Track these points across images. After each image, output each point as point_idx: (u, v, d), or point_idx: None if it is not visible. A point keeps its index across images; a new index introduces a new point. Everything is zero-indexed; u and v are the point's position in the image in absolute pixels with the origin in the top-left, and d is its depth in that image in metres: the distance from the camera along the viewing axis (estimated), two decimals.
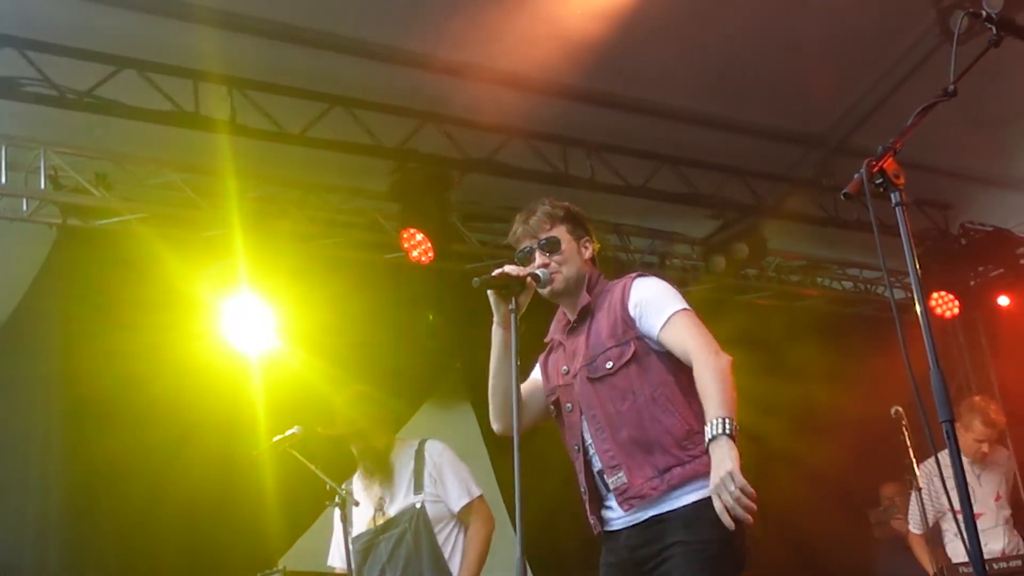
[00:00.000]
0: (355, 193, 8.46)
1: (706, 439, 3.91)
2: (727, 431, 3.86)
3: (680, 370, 4.21)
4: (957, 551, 7.69)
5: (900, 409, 7.08)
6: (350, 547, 5.86)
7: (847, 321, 11.01)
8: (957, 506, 2.91)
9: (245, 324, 7.64)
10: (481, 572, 6.04)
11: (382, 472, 6.12)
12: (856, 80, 8.71)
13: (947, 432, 2.99)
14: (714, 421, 3.90)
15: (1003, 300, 10.73)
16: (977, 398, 7.95)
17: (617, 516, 4.27)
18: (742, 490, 3.76)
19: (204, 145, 7.44)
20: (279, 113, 7.48)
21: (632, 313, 4.28)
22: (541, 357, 4.67)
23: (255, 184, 8.05)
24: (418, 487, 6.03)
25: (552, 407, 4.52)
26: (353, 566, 5.79)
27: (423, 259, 8.11)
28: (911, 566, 9.08)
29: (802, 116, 9.09)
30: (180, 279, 7.53)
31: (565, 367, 4.43)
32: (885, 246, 3.30)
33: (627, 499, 4.17)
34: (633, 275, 4.42)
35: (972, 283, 10.79)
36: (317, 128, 7.62)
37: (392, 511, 6.02)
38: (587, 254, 4.51)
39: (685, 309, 4.24)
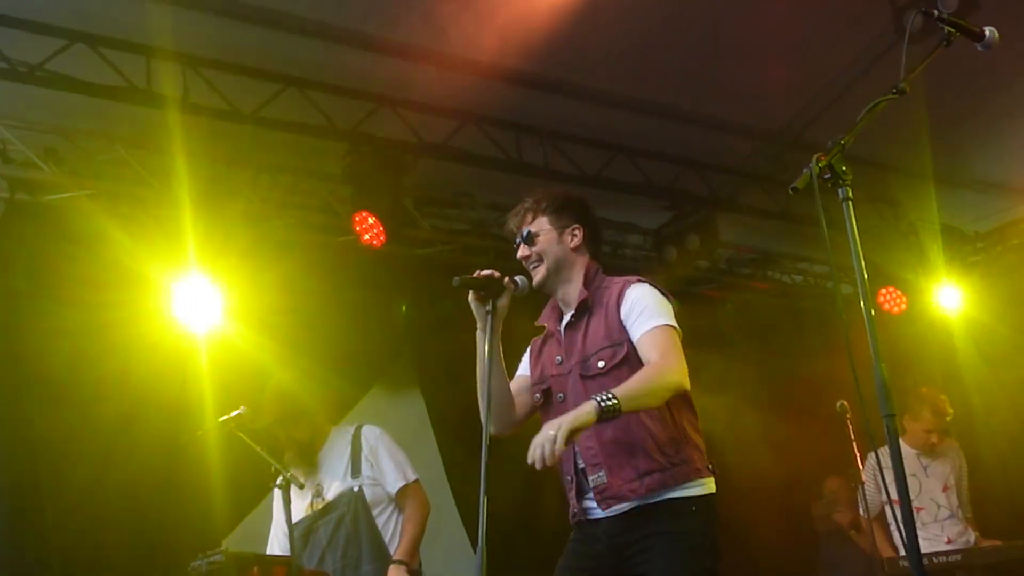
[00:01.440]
0: (307, 175, 8.42)
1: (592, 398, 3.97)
2: (601, 402, 3.89)
3: None
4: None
5: (845, 403, 7.14)
6: (293, 533, 5.86)
7: (797, 315, 11.07)
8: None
9: (194, 304, 7.60)
10: (417, 553, 6.03)
11: (307, 463, 6.10)
12: (812, 76, 8.74)
13: (888, 427, 3.02)
14: (607, 394, 3.93)
15: (950, 297, 10.83)
16: (925, 389, 8.01)
17: (595, 507, 4.33)
18: (554, 443, 3.79)
19: (155, 122, 7.36)
20: (232, 92, 7.42)
21: (622, 315, 4.34)
22: (532, 346, 4.70)
23: (206, 163, 7.97)
24: (356, 471, 6.02)
25: (540, 395, 4.55)
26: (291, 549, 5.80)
27: (375, 242, 8.08)
28: (852, 558, 9.18)
29: (758, 110, 9.11)
30: (129, 257, 7.48)
31: (559, 358, 4.48)
32: (834, 241, 3.32)
33: (605, 499, 4.24)
34: (634, 279, 4.48)
35: (920, 280, 10.87)
36: (270, 108, 7.57)
37: (330, 495, 6.01)
38: (573, 242, 4.54)
39: (670, 325, 4.30)
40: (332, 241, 8.53)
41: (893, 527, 7.88)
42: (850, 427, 7.20)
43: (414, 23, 7.47)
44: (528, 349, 4.72)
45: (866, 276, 3.21)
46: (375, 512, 5.98)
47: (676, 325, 4.32)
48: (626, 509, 4.21)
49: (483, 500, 3.77)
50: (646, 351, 4.24)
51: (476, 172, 8.62)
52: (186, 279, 7.56)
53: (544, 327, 4.67)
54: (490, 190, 9.05)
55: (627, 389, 3.98)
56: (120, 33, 7.01)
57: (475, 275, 4.24)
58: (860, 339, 3.20)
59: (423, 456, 8.80)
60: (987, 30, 3.65)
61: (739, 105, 8.95)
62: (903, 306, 10.63)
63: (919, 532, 7.56)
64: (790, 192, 3.31)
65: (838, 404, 7.17)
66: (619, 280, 4.49)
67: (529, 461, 3.84)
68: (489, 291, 4.22)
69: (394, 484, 6.04)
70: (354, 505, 5.91)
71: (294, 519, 5.92)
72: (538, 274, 4.47)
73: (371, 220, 8.05)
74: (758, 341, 10.66)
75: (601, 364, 4.32)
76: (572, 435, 3.85)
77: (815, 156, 3.23)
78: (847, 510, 9.27)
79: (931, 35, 3.83)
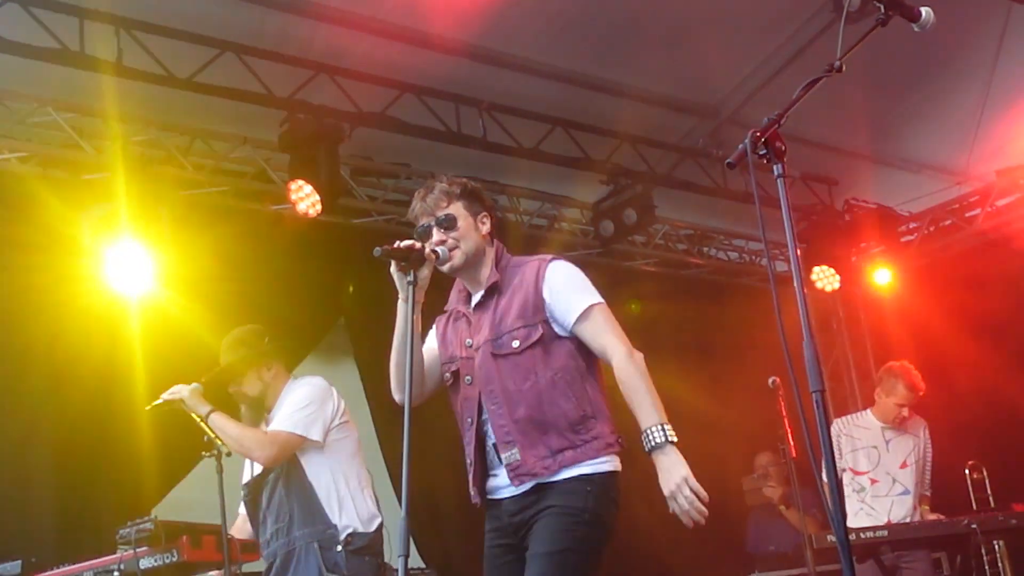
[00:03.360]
0: (243, 142, 8.35)
1: (646, 447, 4.10)
2: (668, 438, 4.10)
3: (581, 356, 4.33)
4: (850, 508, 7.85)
5: (777, 379, 7.18)
6: (243, 497, 5.85)
7: (731, 291, 11.16)
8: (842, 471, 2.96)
9: (125, 269, 7.52)
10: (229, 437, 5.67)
11: (259, 417, 5.99)
12: (750, 52, 8.78)
13: (817, 402, 3.04)
14: (653, 429, 4.10)
15: (883, 276, 10.95)
16: (897, 364, 8.02)
17: (504, 486, 4.33)
18: (696, 494, 4.04)
19: (89, 85, 7.26)
20: (167, 56, 7.32)
21: (545, 297, 4.34)
22: (438, 323, 4.67)
23: (140, 128, 7.90)
24: None
25: (449, 376, 4.53)
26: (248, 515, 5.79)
27: (310, 211, 8.02)
28: (781, 532, 9.28)
29: (695, 86, 9.14)
30: (60, 221, 7.40)
31: (469, 340, 4.45)
32: (770, 219, 3.34)
33: (518, 475, 4.24)
34: (548, 258, 4.47)
35: (854, 259, 10.98)
36: (206, 74, 7.48)
37: None
38: (485, 229, 4.52)
39: (600, 303, 4.34)
40: (267, 209, 8.47)
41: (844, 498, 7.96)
42: (781, 403, 7.25)
43: None
44: (433, 328, 4.69)
45: (799, 253, 3.23)
46: (309, 469, 5.84)
47: (601, 299, 4.37)
48: (526, 489, 4.24)
49: (407, 470, 3.79)
50: (594, 336, 4.29)
51: (414, 142, 8.59)
52: (118, 244, 7.47)
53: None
54: (428, 161, 9.03)
55: (648, 408, 4.18)
56: None
57: (396, 246, 4.21)
58: (793, 316, 3.22)
59: (357, 424, 8.77)
60: (923, 11, 3.67)
61: (677, 81, 8.99)
62: (836, 284, 10.73)
63: (868, 503, 7.68)
64: (726, 167, 3.31)
65: (770, 380, 7.21)
66: (531, 260, 4.50)
67: (689, 523, 4.11)
68: (410, 262, 4.21)
69: (275, 424, 5.85)
70: (286, 465, 5.81)
71: (244, 480, 5.87)
72: (454, 259, 4.42)
73: (307, 189, 7.99)
74: (692, 317, 10.72)
75: (515, 344, 4.31)
76: (687, 470, 4.11)
77: (750, 132, 3.23)
78: (777, 485, 9.37)
79: (869, 14, 3.85)
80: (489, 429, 4.35)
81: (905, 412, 7.89)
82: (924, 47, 7.92)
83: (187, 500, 6.89)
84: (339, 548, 5.72)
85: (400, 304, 4.30)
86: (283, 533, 5.75)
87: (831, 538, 7.13)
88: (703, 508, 4.02)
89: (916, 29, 3.70)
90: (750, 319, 10.04)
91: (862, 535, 7.18)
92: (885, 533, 7.26)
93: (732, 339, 10.44)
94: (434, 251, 4.32)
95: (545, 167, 9.06)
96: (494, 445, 4.33)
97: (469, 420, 4.39)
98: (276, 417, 5.85)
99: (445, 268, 4.42)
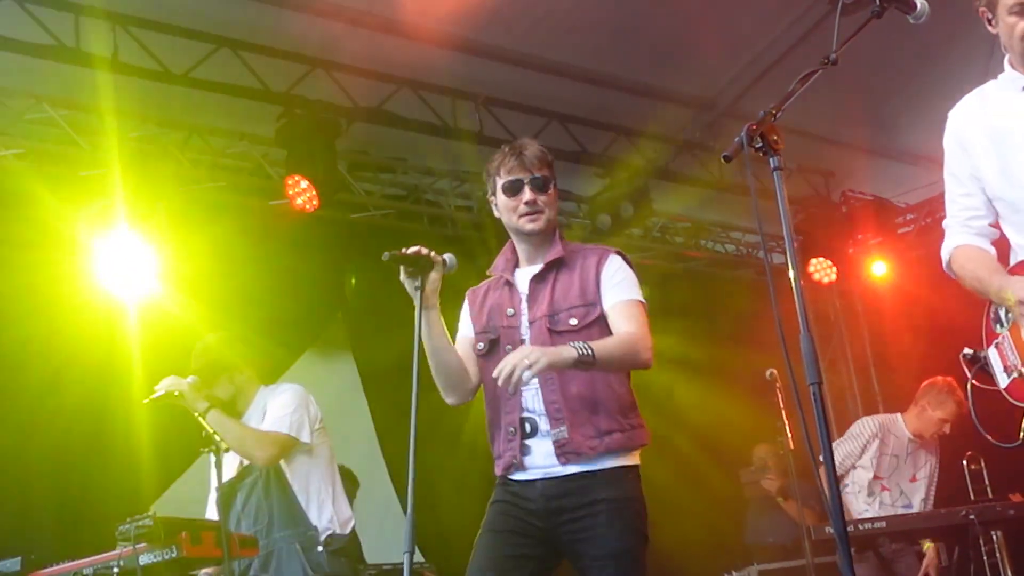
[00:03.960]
0: (240, 137, 8.34)
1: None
2: (577, 350, 3.98)
3: None
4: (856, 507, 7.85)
5: (775, 371, 7.20)
6: (216, 500, 5.82)
7: (729, 283, 11.16)
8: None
9: (123, 266, 7.51)
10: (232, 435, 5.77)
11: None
12: (746, 45, 8.78)
13: (814, 395, 3.04)
14: (585, 344, 4.03)
15: (880, 268, 10.95)
16: (944, 379, 7.93)
17: (539, 464, 4.27)
18: (530, 369, 3.86)
19: (85, 81, 7.25)
20: (163, 52, 7.32)
21: (602, 280, 4.36)
22: (471, 295, 4.63)
23: (136, 124, 7.89)
24: None
25: (484, 345, 4.46)
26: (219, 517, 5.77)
27: (308, 207, 8.02)
28: (779, 524, 9.29)
29: (692, 79, 9.14)
30: (56, 218, 7.38)
31: (511, 310, 4.43)
32: (767, 211, 3.34)
33: (565, 452, 4.21)
34: (613, 249, 4.50)
35: (851, 250, 10.98)
36: (202, 69, 7.48)
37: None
38: (556, 203, 4.54)
39: (643, 303, 4.38)
40: (265, 205, 8.46)
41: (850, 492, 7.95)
42: (779, 395, 7.26)
43: None
44: (466, 302, 4.64)
45: (795, 246, 3.23)
46: (290, 472, 5.87)
47: (645, 302, 4.40)
48: (568, 473, 4.21)
49: (411, 469, 3.86)
50: (620, 320, 4.28)
51: (410, 137, 8.59)
52: (115, 240, 7.47)
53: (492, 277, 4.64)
54: (424, 155, 9.03)
55: (604, 347, 4.08)
56: None
57: (404, 251, 4.20)
58: (790, 308, 3.22)
59: (355, 419, 8.80)
60: (919, 2, 3.68)
61: (673, 74, 8.98)
62: (833, 276, 10.74)
63: (872, 504, 7.67)
64: (722, 161, 3.31)
65: (767, 372, 7.23)
66: (595, 247, 4.55)
67: (495, 375, 3.90)
68: (418, 267, 4.20)
69: (266, 424, 5.90)
70: (265, 468, 5.84)
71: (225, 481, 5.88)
72: (538, 222, 4.39)
73: (304, 184, 7.98)
74: (690, 309, 10.72)
75: (573, 321, 4.30)
76: (547, 369, 3.95)
77: (747, 126, 3.23)
78: (775, 477, 9.37)
79: (864, 6, 3.85)
80: (530, 400, 4.30)
81: (947, 428, 7.85)
82: (920, 37, 7.91)
83: (186, 496, 6.88)
84: (320, 548, 5.76)
85: (417, 310, 4.27)
86: (262, 536, 5.77)
87: (829, 530, 7.14)
88: (519, 379, 3.86)
89: (912, 21, 3.71)
90: (747, 311, 10.03)
91: (860, 527, 7.18)
92: (883, 524, 7.26)
93: (729, 331, 10.44)
94: (442, 257, 4.28)
95: None
96: (525, 419, 4.29)
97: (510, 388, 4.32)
98: (267, 420, 5.89)
99: (527, 225, 4.39)
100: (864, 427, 7.99)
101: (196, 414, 5.61)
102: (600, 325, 4.31)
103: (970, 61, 8.95)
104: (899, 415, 8.10)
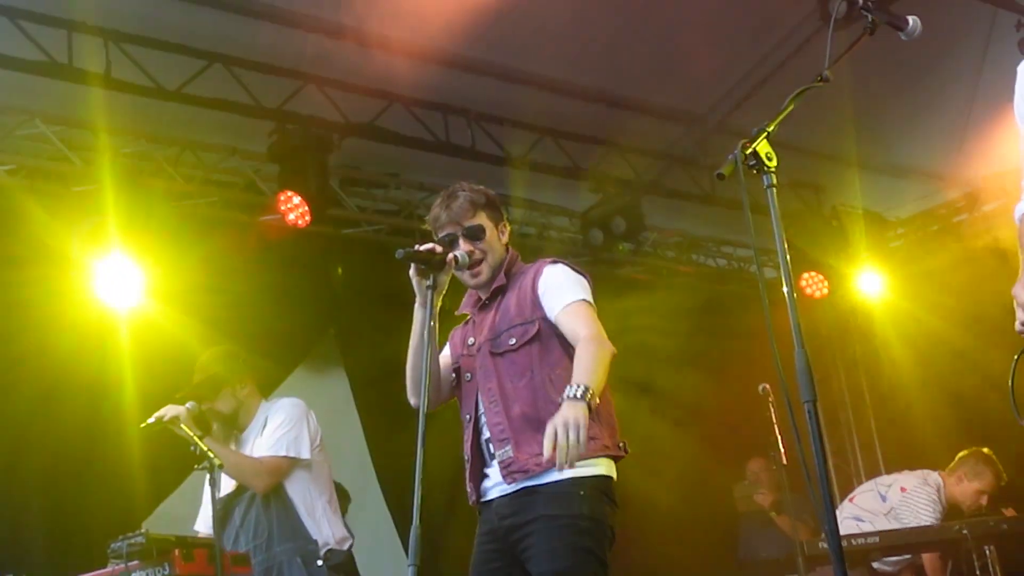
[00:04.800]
0: (232, 153, 8.35)
1: (563, 397, 3.90)
2: (583, 397, 3.85)
3: None
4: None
5: (767, 387, 7.20)
6: (212, 514, 5.81)
7: (720, 298, 11.15)
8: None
9: (115, 282, 7.51)
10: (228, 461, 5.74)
11: (232, 437, 6.03)
12: (737, 60, 8.79)
13: (809, 412, 3.04)
14: (576, 385, 3.89)
15: (871, 282, 10.96)
16: (980, 450, 7.83)
17: (494, 485, 4.32)
18: (580, 442, 3.74)
19: (77, 98, 7.26)
20: (155, 68, 7.32)
21: (539, 292, 4.35)
22: (454, 332, 4.69)
23: (129, 140, 7.89)
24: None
25: (453, 375, 4.55)
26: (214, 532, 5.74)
27: (300, 222, 8.03)
28: (772, 539, 9.29)
29: (683, 94, 9.15)
30: (49, 234, 7.38)
31: (471, 339, 4.49)
32: (758, 225, 3.35)
33: (511, 472, 4.22)
34: (548, 260, 4.50)
35: (842, 265, 11.00)
36: (195, 85, 7.49)
37: None
38: (504, 238, 4.55)
39: (586, 300, 4.31)
40: (257, 220, 8.46)
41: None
42: (772, 410, 7.26)
43: (343, 2, 7.42)
44: (450, 335, 4.71)
45: (788, 260, 3.24)
46: (289, 486, 5.88)
47: (592, 300, 4.35)
48: (517, 489, 4.21)
49: (418, 476, 3.81)
50: (570, 325, 4.24)
51: (403, 152, 8.60)
52: (107, 256, 7.46)
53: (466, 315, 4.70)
54: (416, 171, 9.04)
55: (587, 373, 3.96)
56: (41, 6, 6.90)
57: (417, 249, 4.21)
58: (782, 323, 3.22)
59: (347, 435, 8.79)
60: (910, 19, 3.69)
61: (664, 89, 8.99)
62: (825, 291, 10.77)
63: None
64: (716, 178, 3.33)
65: (760, 387, 7.23)
66: (536, 262, 4.53)
67: (559, 462, 3.76)
68: (431, 266, 4.21)
69: (263, 448, 5.89)
70: None
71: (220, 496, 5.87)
72: (482, 272, 4.43)
73: (296, 199, 7.99)
74: (682, 324, 10.72)
75: (512, 341, 4.32)
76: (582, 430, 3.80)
77: (740, 143, 3.24)
78: (768, 492, 9.37)
79: (855, 22, 3.87)
80: (484, 427, 4.34)
81: (984, 500, 7.75)
82: (911, 53, 7.94)
83: (178, 513, 6.86)
84: (320, 563, 5.75)
85: (417, 309, 4.30)
86: (261, 550, 5.76)
87: (822, 544, 7.14)
88: (576, 456, 3.75)
89: (903, 38, 3.72)
90: (740, 326, 10.04)
91: (853, 542, 7.18)
92: (876, 539, 7.27)
93: (722, 346, 10.44)
94: (455, 256, 4.31)
95: (534, 176, 9.07)
96: (487, 441, 4.33)
97: (467, 417, 4.42)
98: (262, 442, 5.91)
99: (464, 276, 4.42)
100: (932, 496, 7.82)
101: (195, 437, 5.57)
102: (540, 341, 4.30)
103: (959, 76, 9.03)
104: (940, 478, 7.96)
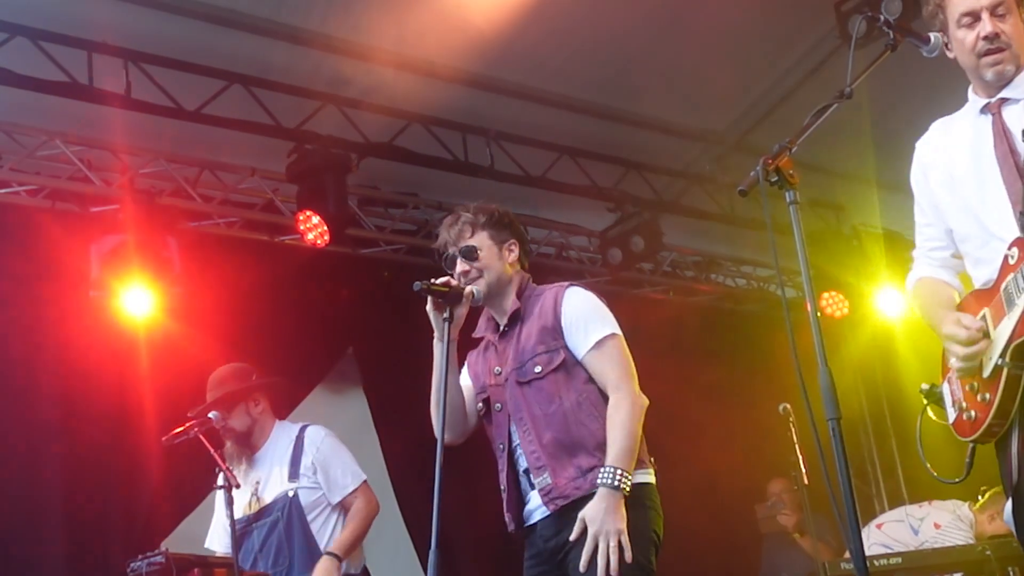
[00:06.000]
0: (251, 173, 8.35)
1: (599, 480, 4.10)
2: (622, 486, 4.06)
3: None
4: None
5: (788, 406, 7.16)
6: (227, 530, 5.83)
7: (740, 317, 11.13)
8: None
9: (134, 302, 7.51)
10: (356, 551, 5.96)
11: (245, 455, 6.01)
12: (756, 78, 8.79)
13: (833, 430, 3.02)
14: (615, 470, 4.08)
15: (892, 302, 10.90)
16: None
17: (536, 508, 4.38)
18: (620, 547, 3.99)
19: (97, 118, 7.29)
20: (175, 88, 7.33)
21: (563, 323, 4.39)
22: (469, 357, 4.72)
23: (148, 160, 7.91)
24: (293, 474, 5.90)
25: (482, 405, 4.57)
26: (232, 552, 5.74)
27: (318, 242, 8.03)
28: (795, 560, 9.22)
29: (702, 112, 9.15)
30: (68, 254, 7.41)
31: (498, 368, 4.51)
32: (778, 245, 3.33)
33: (552, 499, 4.29)
34: (566, 285, 4.54)
35: (862, 284, 10.95)
36: (214, 105, 7.50)
37: (267, 497, 5.92)
38: (511, 257, 4.58)
39: (614, 334, 4.37)
40: (276, 240, 8.48)
41: None
42: (793, 430, 7.22)
43: (361, 22, 7.43)
44: (466, 365, 4.72)
45: (811, 276, 3.23)
46: (311, 516, 5.87)
47: (618, 330, 4.40)
48: (559, 509, 4.27)
49: (437, 506, 3.89)
50: (600, 369, 4.32)
51: (421, 172, 8.60)
52: (127, 277, 7.46)
53: (481, 339, 4.70)
54: (435, 190, 9.04)
55: (620, 453, 4.14)
56: (62, 27, 6.92)
57: (436, 281, 4.27)
58: (802, 342, 3.20)
59: (365, 456, 8.70)
60: (932, 35, 3.68)
61: (683, 107, 8.99)
62: (845, 310, 10.71)
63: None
64: (735, 195, 3.32)
65: (781, 407, 7.19)
66: (552, 287, 4.56)
67: (602, 567, 4.01)
68: (448, 299, 4.25)
69: (343, 490, 5.96)
70: (288, 511, 5.83)
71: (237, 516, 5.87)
72: (479, 287, 4.47)
73: (315, 219, 7.99)
74: (701, 343, 10.69)
75: (538, 369, 4.37)
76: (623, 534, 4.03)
77: (762, 159, 3.23)
78: (791, 512, 9.30)
79: (876, 39, 3.86)
80: (521, 457, 4.39)
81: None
82: (931, 71, 7.91)
83: (198, 532, 6.84)
84: None
85: (436, 343, 4.36)
86: None
87: (844, 565, 7.10)
88: (617, 565, 3.99)
89: (925, 54, 3.71)
90: (759, 345, 10.01)
91: (877, 563, 7.13)
92: (899, 561, 7.20)
93: (741, 365, 10.40)
94: (472, 290, 4.38)
95: (552, 195, 9.06)
96: (526, 471, 4.38)
97: (501, 446, 4.46)
98: (340, 477, 6.01)
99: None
100: (968, 534, 7.70)
101: None
102: (566, 368, 4.36)
103: None
104: (971, 514, 7.87)
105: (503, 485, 4.45)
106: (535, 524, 4.38)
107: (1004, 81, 3.69)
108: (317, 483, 5.93)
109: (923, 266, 4.09)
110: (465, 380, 4.67)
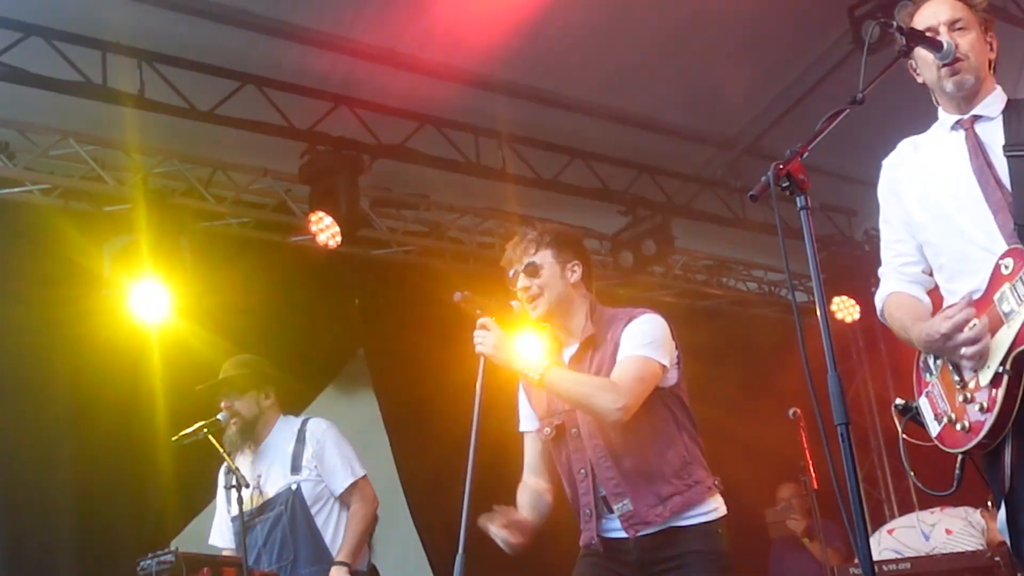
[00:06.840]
0: (263, 173, 8.36)
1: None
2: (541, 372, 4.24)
3: (675, 405, 4.49)
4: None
5: (798, 411, 7.15)
6: (230, 526, 5.89)
7: (750, 322, 11.12)
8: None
9: (147, 301, 7.52)
10: (363, 551, 5.97)
11: (249, 446, 6.01)
12: (768, 83, 8.79)
13: (842, 435, 3.02)
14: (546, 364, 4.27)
15: None
16: None
17: (613, 529, 4.44)
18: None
19: (111, 118, 7.31)
20: (189, 89, 7.36)
21: (621, 346, 4.41)
22: (523, 383, 4.68)
23: (161, 160, 7.93)
24: (296, 467, 5.91)
25: (550, 431, 4.57)
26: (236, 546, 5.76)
27: (330, 243, 8.04)
28: (804, 565, 9.21)
29: (714, 117, 9.15)
30: (81, 253, 7.43)
31: None
32: (789, 249, 3.33)
33: (633, 524, 4.35)
34: (639, 311, 4.55)
35: (873, 289, 10.90)
36: (227, 106, 7.53)
37: (270, 491, 5.92)
38: (573, 277, 4.57)
39: (651, 358, 4.37)
40: (288, 241, 8.49)
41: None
42: (802, 434, 7.21)
43: (374, 24, 7.45)
44: (521, 390, 4.73)
45: (822, 282, 3.23)
46: (315, 509, 5.87)
47: (663, 360, 4.39)
48: (657, 530, 4.34)
49: (466, 514, 3.99)
50: (615, 372, 4.33)
51: (433, 174, 8.61)
52: (139, 276, 7.48)
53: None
54: (447, 192, 9.04)
55: (560, 376, 4.31)
56: (76, 27, 6.95)
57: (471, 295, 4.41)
58: (811, 347, 3.20)
59: (375, 457, 8.74)
60: (944, 41, 3.67)
61: (695, 112, 9.00)
62: (856, 315, 10.70)
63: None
64: (745, 199, 3.32)
65: (790, 411, 7.18)
66: (624, 313, 4.55)
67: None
68: (487, 311, 4.32)
69: (343, 483, 5.96)
70: (292, 504, 5.83)
71: (235, 511, 5.87)
72: (539, 306, 4.48)
73: (327, 220, 8.00)
74: (711, 347, 10.68)
75: None
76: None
77: (774, 164, 3.22)
78: (801, 517, 9.29)
79: (888, 45, 3.86)
80: (600, 483, 4.42)
81: None
82: None
83: (206, 531, 6.87)
84: None
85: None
86: (286, 571, 5.80)
87: (854, 571, 7.09)
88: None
89: (938, 60, 3.70)
90: (769, 350, 10.01)
91: (885, 567, 7.12)
92: (908, 566, 7.20)
93: (751, 370, 10.39)
94: (510, 304, 4.44)
95: (564, 198, 9.06)
96: (603, 497, 4.42)
97: (583, 471, 4.46)
98: (337, 469, 5.98)
99: (532, 314, 4.49)
100: (979, 541, 7.71)
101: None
102: None
103: None
104: (983, 520, 7.80)
105: (587, 508, 4.45)
106: (626, 538, 4.39)
107: (964, 91, 3.72)
108: (319, 476, 5.94)
109: (893, 281, 4.08)
110: (530, 423, 4.69)
